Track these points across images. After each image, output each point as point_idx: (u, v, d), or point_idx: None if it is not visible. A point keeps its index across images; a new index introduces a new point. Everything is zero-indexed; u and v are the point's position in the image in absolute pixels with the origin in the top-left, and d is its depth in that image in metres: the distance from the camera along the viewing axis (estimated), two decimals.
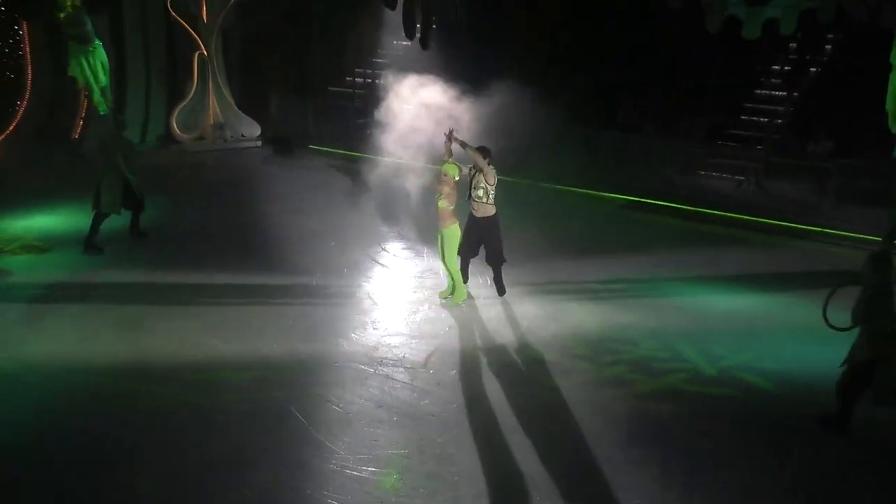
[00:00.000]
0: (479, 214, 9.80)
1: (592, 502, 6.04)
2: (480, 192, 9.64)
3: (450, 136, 9.71)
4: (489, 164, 9.52)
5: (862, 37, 15.82)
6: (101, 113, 12.20)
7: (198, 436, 6.77)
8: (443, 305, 9.77)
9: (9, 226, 12.43)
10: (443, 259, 9.84)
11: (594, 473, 6.36)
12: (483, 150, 9.63)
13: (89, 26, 12.05)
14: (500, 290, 10.21)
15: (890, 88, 8.79)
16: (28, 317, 9.17)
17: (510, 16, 18.72)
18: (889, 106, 8.92)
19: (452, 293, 9.90)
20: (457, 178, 9.61)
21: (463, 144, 9.62)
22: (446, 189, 9.54)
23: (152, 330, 8.85)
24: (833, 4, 10.24)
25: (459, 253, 9.98)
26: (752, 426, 7.28)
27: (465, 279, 10.20)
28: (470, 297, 10.06)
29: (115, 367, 7.97)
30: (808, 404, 7.66)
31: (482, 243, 9.98)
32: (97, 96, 12.19)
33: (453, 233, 9.64)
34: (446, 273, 9.95)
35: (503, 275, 10.20)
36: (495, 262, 10.06)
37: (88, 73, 11.69)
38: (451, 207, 9.60)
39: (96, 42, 11.63)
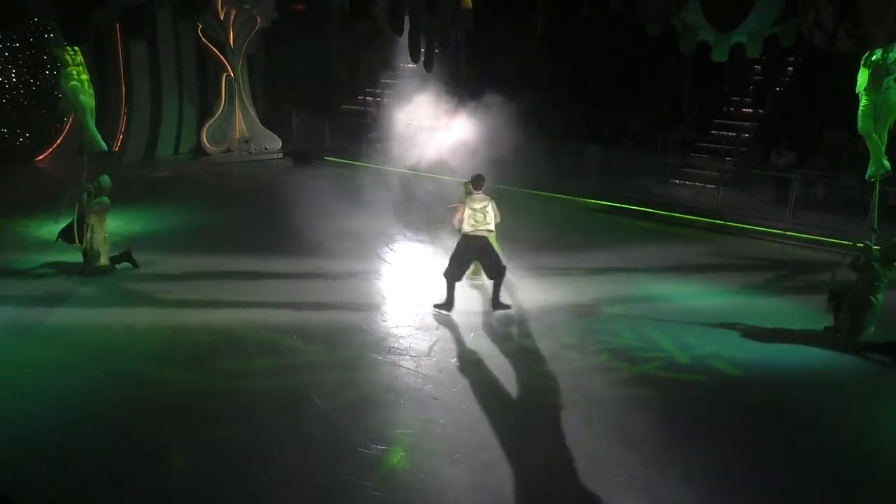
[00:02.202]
0: (477, 234, 9.13)
1: (583, 476, 6.00)
2: (491, 224, 9.18)
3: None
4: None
5: (820, 60, 15.84)
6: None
7: (226, 418, 6.75)
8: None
9: (58, 229, 12.40)
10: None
11: (584, 451, 6.34)
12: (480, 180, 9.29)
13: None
14: (497, 306, 9.38)
15: (862, 115, 8.72)
16: (72, 309, 9.16)
17: (506, 42, 18.73)
18: (862, 128, 8.84)
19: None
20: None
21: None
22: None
23: (185, 321, 8.84)
24: (793, 31, 10.19)
25: (449, 273, 9.31)
26: (721, 408, 7.26)
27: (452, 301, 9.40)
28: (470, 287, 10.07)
29: (152, 354, 7.97)
30: (770, 389, 7.71)
31: (478, 259, 9.43)
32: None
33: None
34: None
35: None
36: (497, 276, 9.36)
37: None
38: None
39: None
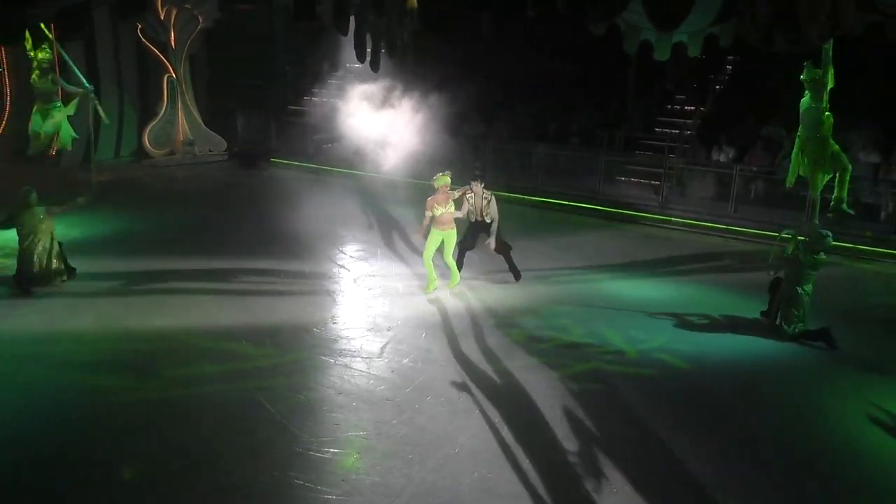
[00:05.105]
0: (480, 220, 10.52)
1: (535, 472, 6.05)
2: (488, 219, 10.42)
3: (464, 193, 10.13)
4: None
5: (756, 59, 16.28)
6: None
7: (175, 425, 6.63)
8: (427, 297, 9.90)
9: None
10: (431, 257, 9.96)
11: (535, 447, 6.40)
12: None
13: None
14: (517, 275, 10.66)
15: (793, 157, 9.28)
16: (12, 316, 8.87)
17: (453, 42, 18.78)
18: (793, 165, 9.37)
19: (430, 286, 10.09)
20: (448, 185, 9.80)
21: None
22: (447, 199, 9.74)
23: (129, 327, 8.64)
24: (731, 31, 10.51)
25: (458, 247, 10.46)
26: (669, 401, 7.42)
27: (460, 268, 10.56)
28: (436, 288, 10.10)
29: (96, 363, 7.76)
30: (716, 381, 7.92)
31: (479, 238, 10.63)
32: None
33: (454, 235, 9.95)
34: (431, 268, 10.03)
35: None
36: (505, 251, 10.62)
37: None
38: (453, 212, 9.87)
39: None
